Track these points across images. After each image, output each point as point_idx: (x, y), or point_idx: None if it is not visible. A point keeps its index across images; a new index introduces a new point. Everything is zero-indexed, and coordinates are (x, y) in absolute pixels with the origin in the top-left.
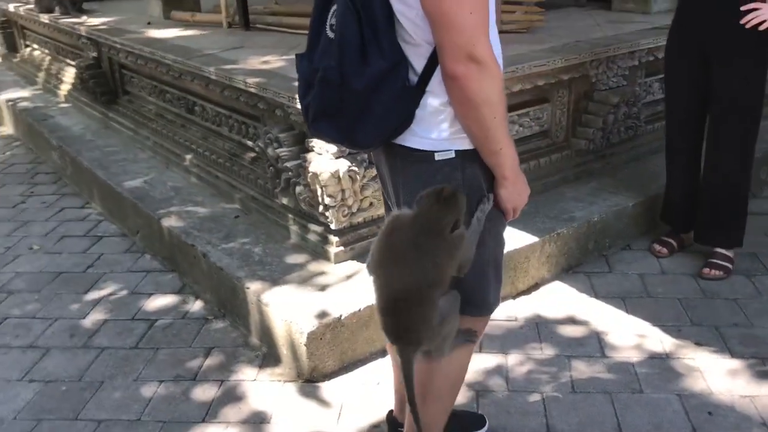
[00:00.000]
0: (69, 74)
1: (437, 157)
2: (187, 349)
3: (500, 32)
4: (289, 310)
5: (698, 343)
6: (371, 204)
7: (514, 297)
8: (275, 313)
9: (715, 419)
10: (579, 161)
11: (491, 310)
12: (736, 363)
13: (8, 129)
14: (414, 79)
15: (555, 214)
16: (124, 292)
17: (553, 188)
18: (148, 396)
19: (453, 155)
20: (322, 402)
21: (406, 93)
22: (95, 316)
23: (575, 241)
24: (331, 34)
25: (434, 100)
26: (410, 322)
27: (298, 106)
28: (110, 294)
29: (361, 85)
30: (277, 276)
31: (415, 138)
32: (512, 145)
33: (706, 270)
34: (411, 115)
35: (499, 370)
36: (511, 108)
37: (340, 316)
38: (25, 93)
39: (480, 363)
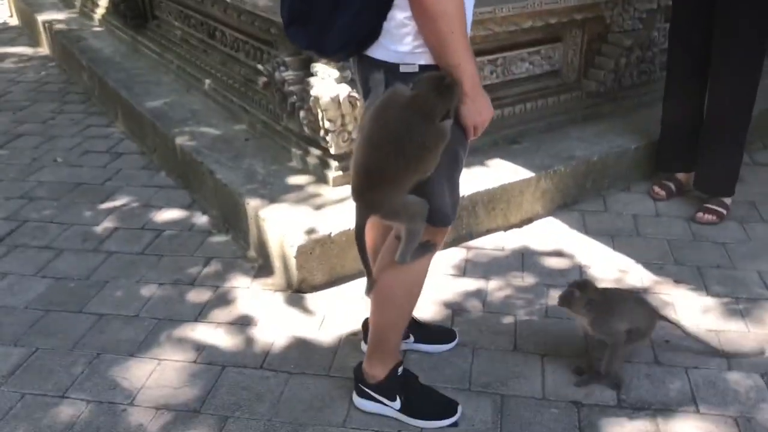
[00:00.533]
0: None
1: (402, 69)
2: (189, 257)
3: None
4: (283, 225)
5: (677, 281)
6: None
7: (505, 230)
8: (270, 227)
9: (678, 350)
10: (589, 103)
11: (447, 223)
12: (710, 301)
13: (45, 50)
14: None
15: (555, 152)
16: (137, 204)
17: (559, 128)
18: (147, 296)
19: (417, 69)
20: (307, 311)
21: (371, 4)
22: (107, 224)
23: (572, 178)
24: None
25: (400, 13)
26: (375, 186)
27: None
28: (123, 205)
29: None
30: (276, 195)
31: (381, 50)
32: (472, 62)
33: (699, 214)
34: (377, 27)
35: (478, 294)
36: (521, 45)
37: (330, 233)
38: (62, 15)
39: (460, 286)
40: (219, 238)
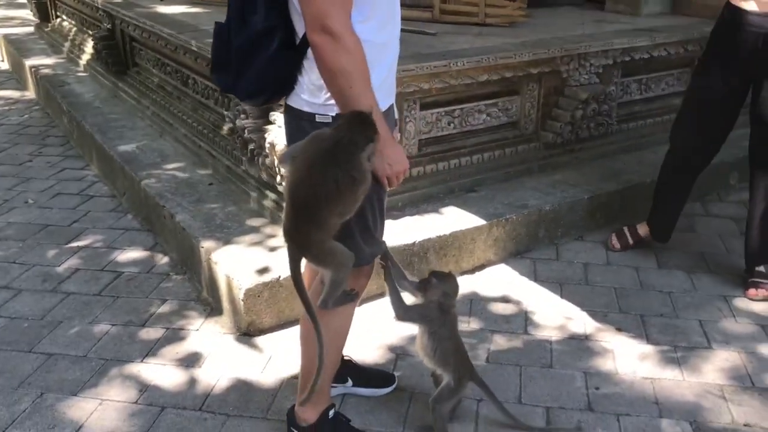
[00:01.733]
0: (89, 45)
1: (317, 119)
2: (144, 299)
3: (484, 25)
4: (233, 267)
5: (619, 329)
6: None
7: (457, 275)
8: (221, 269)
9: (611, 396)
10: (546, 154)
11: (362, 263)
12: (649, 348)
13: (31, 93)
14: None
15: (509, 201)
16: (100, 245)
17: (516, 178)
18: (98, 336)
19: (330, 120)
20: (252, 353)
21: (281, 55)
22: (69, 264)
23: (525, 227)
24: None
25: (313, 71)
26: (302, 229)
27: None
28: (87, 246)
29: (239, 43)
30: (231, 237)
31: (299, 100)
32: (378, 117)
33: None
34: (290, 76)
35: None
36: (479, 97)
37: (279, 276)
38: (49, 61)
39: (404, 330)
40: (176, 280)
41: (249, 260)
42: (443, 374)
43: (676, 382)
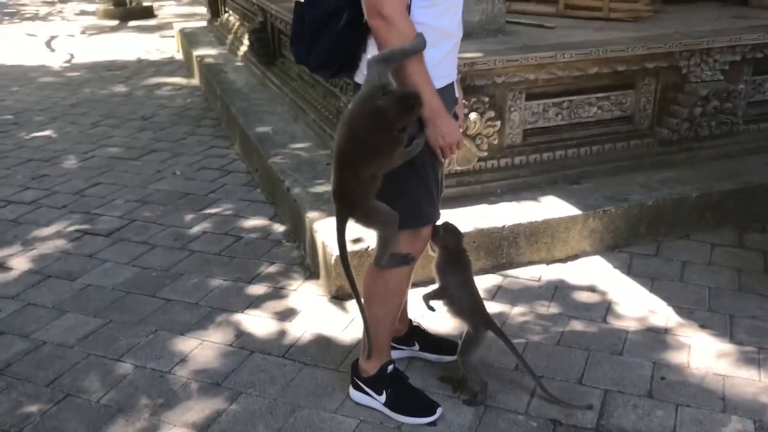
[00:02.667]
0: (246, 37)
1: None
2: (256, 260)
3: (607, 19)
4: (329, 236)
5: (702, 326)
6: None
7: (548, 263)
8: (319, 237)
9: (675, 386)
10: (661, 150)
11: (418, 226)
12: (730, 347)
13: (196, 81)
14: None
15: (612, 194)
16: (229, 214)
17: (626, 172)
18: (210, 288)
19: None
20: (339, 313)
21: (346, 33)
22: (199, 228)
23: (624, 221)
24: None
25: (373, 48)
26: (345, 184)
27: None
28: (217, 213)
29: (311, 19)
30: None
31: (361, 76)
32: (430, 92)
33: None
34: (354, 53)
35: (499, 316)
36: (590, 90)
37: (368, 247)
38: (213, 51)
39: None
40: (286, 246)
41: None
42: (463, 323)
43: (749, 381)
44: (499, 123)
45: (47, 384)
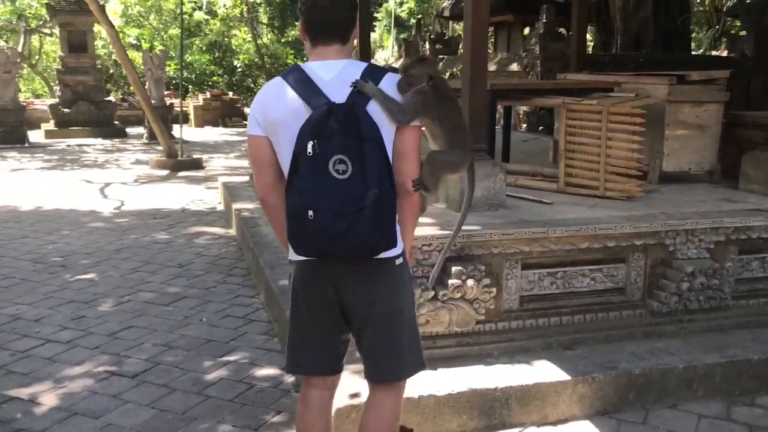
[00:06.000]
0: None
1: (396, 262)
2: (264, 408)
3: (603, 197)
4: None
5: None
6: None
7: (538, 425)
8: None
9: None
10: (652, 321)
11: None
12: None
13: (233, 231)
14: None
15: (602, 362)
16: (245, 361)
17: (617, 341)
18: None
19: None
20: None
21: None
22: (216, 374)
23: (613, 388)
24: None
25: None
26: None
27: None
28: (235, 360)
29: None
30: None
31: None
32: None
33: None
34: None
35: None
36: (583, 262)
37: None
38: (250, 205)
39: None
40: (294, 397)
41: (344, 385)
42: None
43: None
44: (495, 290)
45: None
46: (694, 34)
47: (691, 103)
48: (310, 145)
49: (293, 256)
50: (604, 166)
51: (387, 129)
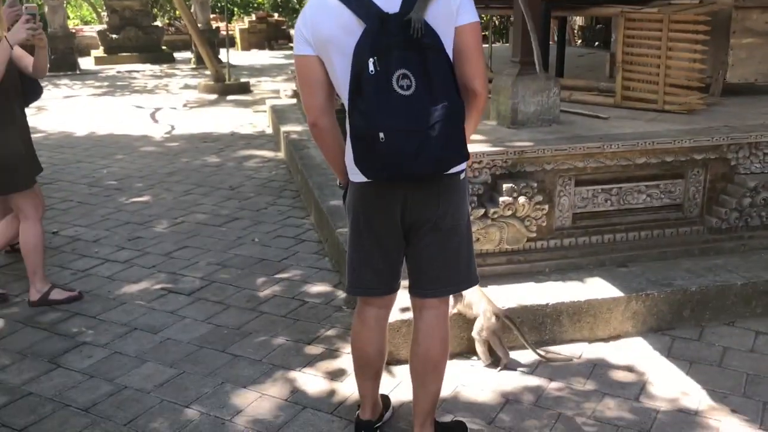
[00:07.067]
0: None
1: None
2: (317, 323)
3: (662, 111)
4: None
5: (734, 410)
6: None
7: (589, 342)
8: None
9: None
10: (710, 238)
11: None
12: None
13: (282, 154)
14: None
15: (657, 278)
16: (298, 279)
17: (673, 259)
18: (274, 347)
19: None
20: (387, 377)
21: None
22: (270, 290)
23: (667, 305)
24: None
25: None
26: None
27: None
28: (287, 278)
29: None
30: None
31: None
32: None
33: None
34: None
35: (536, 390)
36: (639, 178)
37: None
38: (299, 128)
39: (523, 381)
40: (346, 312)
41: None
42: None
43: None
44: (547, 207)
45: (125, 423)
46: None
47: (761, 8)
48: (371, 62)
49: (355, 178)
50: (664, 78)
51: (445, 32)
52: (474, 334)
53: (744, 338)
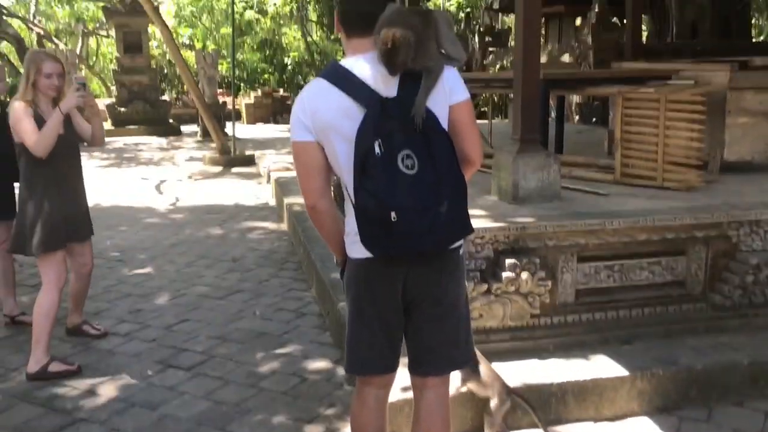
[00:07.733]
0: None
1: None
2: (317, 401)
3: (661, 188)
4: None
5: None
6: None
7: (595, 421)
8: None
9: None
10: (714, 315)
11: None
12: None
13: (284, 226)
14: None
15: (662, 356)
16: (298, 354)
17: (678, 336)
18: (273, 425)
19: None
20: None
21: None
22: (270, 366)
23: (673, 384)
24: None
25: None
26: None
27: None
28: (287, 354)
29: None
30: None
31: None
32: None
33: None
34: None
35: None
36: (641, 255)
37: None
38: (301, 200)
39: None
40: (347, 390)
41: (397, 379)
42: None
43: None
44: (550, 283)
45: None
46: (754, 21)
47: (754, 89)
48: (377, 144)
49: (355, 255)
50: (663, 155)
51: (441, 111)
52: (489, 413)
53: (753, 420)
